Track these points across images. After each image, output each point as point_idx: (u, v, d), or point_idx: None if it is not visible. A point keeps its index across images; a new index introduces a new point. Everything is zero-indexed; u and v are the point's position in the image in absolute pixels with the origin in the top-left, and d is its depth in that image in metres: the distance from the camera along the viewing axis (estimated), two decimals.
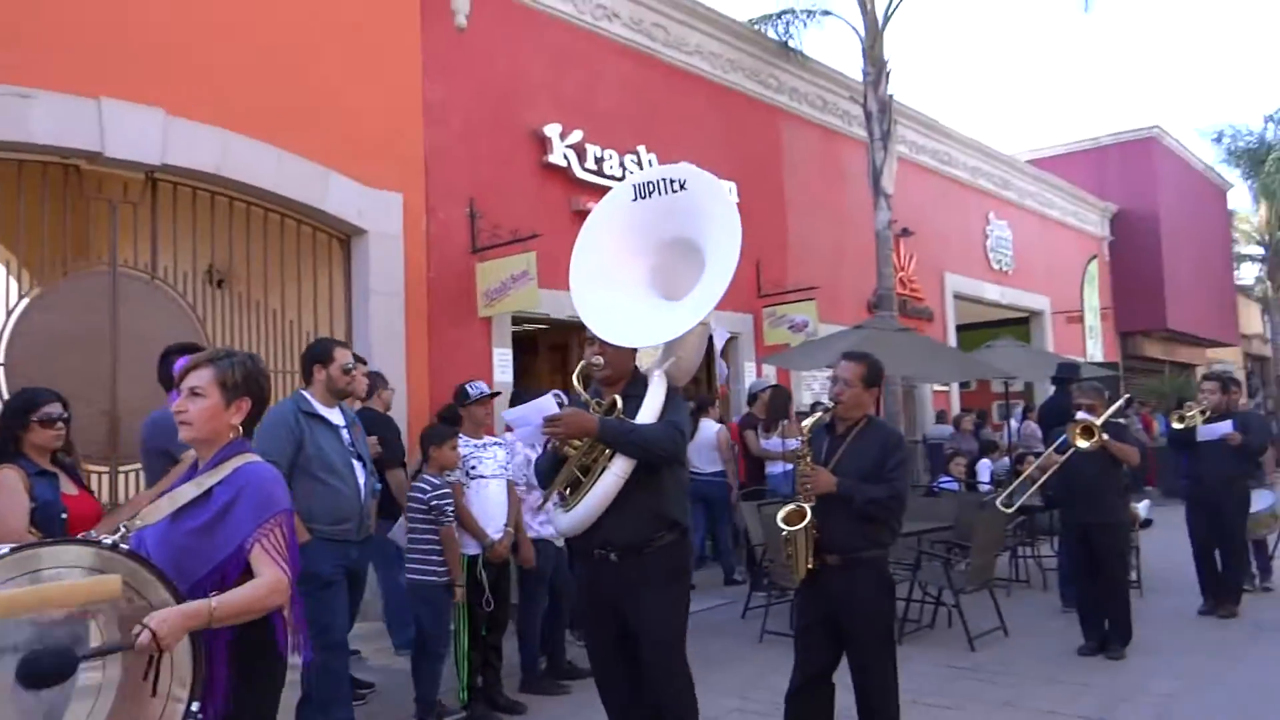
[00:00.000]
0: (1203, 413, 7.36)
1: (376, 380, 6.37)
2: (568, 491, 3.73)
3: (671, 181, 3.83)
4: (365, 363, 5.51)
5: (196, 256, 7.22)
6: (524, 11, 9.35)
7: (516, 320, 9.09)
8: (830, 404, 4.18)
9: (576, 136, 9.55)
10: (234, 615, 2.37)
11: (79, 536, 2.62)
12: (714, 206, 3.76)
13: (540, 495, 5.55)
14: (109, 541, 2.33)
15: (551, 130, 9.35)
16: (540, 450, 5.65)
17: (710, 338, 4.14)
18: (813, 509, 3.86)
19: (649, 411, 3.68)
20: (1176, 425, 7.39)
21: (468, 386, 5.29)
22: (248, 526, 2.48)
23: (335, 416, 4.71)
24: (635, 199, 3.93)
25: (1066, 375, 8.14)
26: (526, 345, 9.57)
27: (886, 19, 11.62)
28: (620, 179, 9.84)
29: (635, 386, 3.81)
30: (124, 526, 2.48)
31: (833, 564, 3.91)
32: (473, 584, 5.02)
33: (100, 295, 6.54)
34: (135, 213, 6.80)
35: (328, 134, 7.59)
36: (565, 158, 9.44)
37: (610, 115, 10.05)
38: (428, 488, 5.06)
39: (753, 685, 5.50)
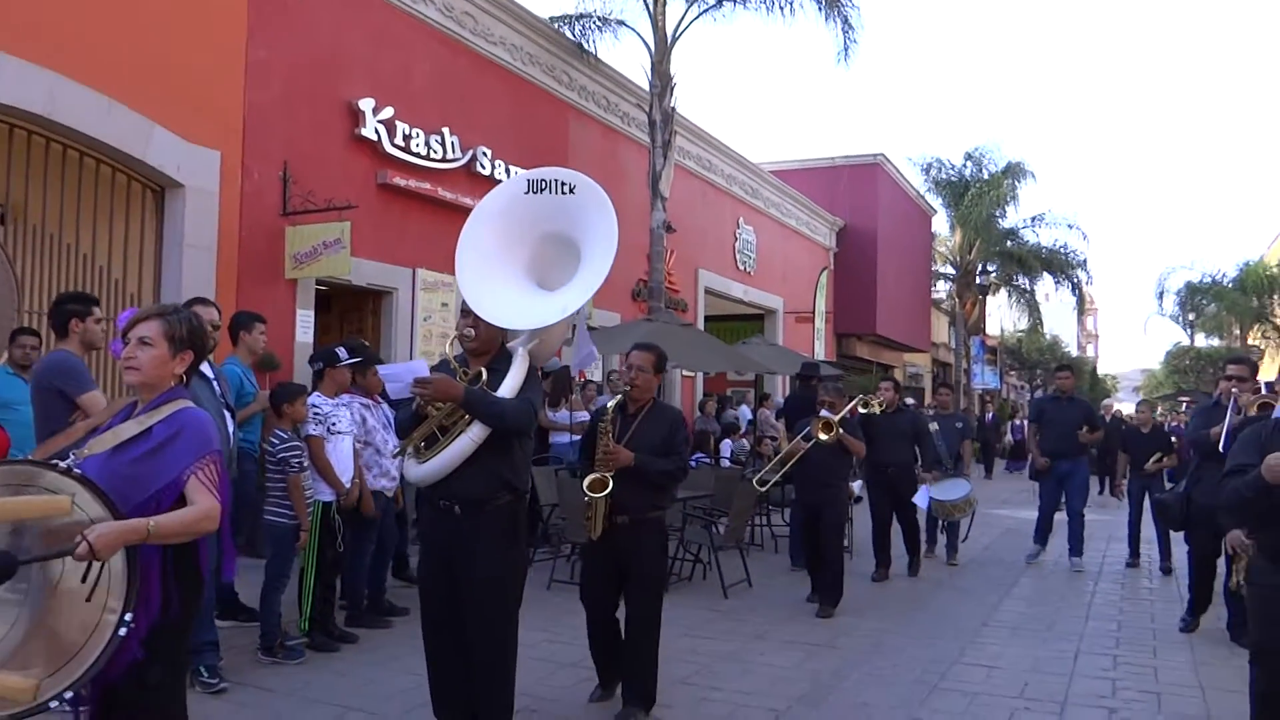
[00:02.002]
0: (881, 405, 8.68)
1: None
2: (423, 446, 4.01)
3: (563, 184, 4.22)
4: (256, 322, 5.90)
5: (10, 195, 7.12)
6: None
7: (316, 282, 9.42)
8: (626, 386, 4.90)
9: (388, 113, 9.97)
10: (170, 535, 2.63)
11: (37, 460, 2.96)
12: (597, 214, 4.14)
13: (373, 451, 6.22)
14: (63, 465, 2.66)
15: (365, 104, 9.72)
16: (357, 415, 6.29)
17: (575, 326, 4.77)
18: (612, 479, 4.57)
19: (509, 387, 4.00)
20: (861, 410, 8.68)
21: (337, 350, 5.82)
22: (186, 459, 2.74)
23: (206, 369, 5.13)
24: (528, 192, 4.26)
25: (810, 373, 9.62)
26: (319, 306, 9.86)
27: (675, 38, 12.79)
28: (426, 157, 10.43)
29: (499, 361, 4.11)
30: (73, 454, 2.75)
31: (622, 523, 4.69)
32: (326, 528, 5.60)
33: None
34: None
35: (154, 87, 7.68)
36: (376, 132, 9.84)
37: (419, 95, 10.52)
38: (277, 441, 5.58)
39: (554, 622, 6.41)
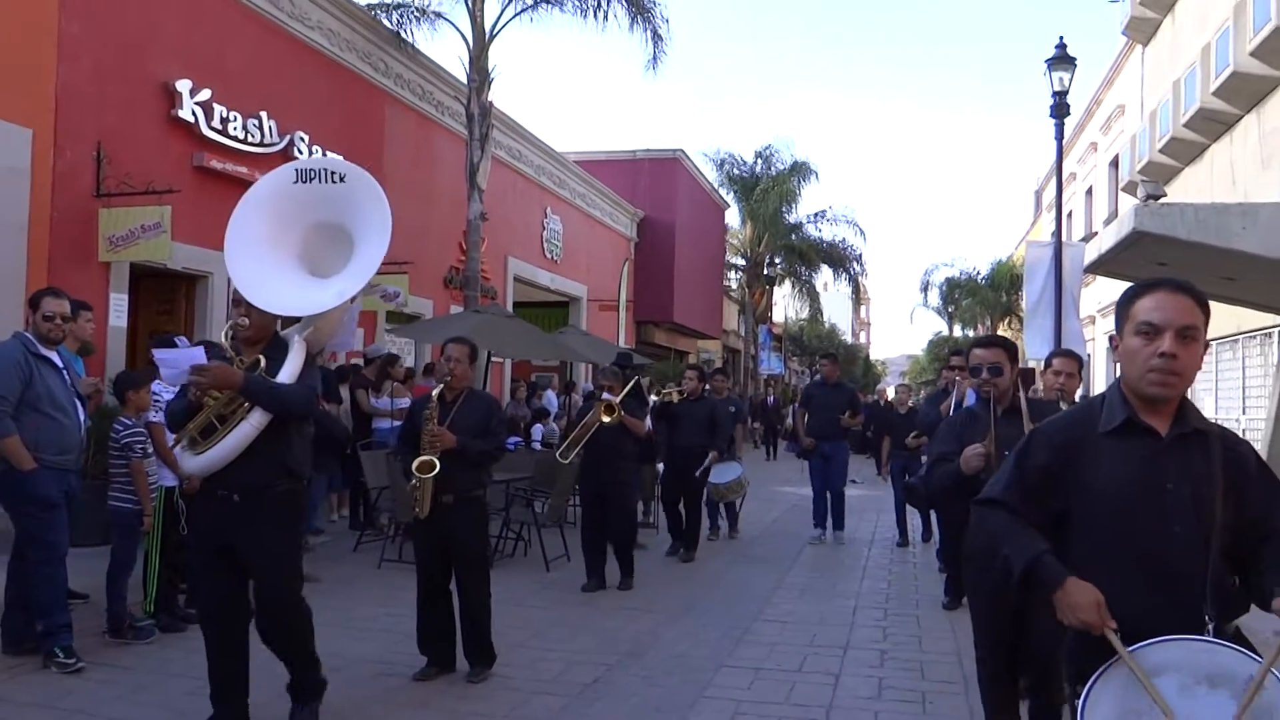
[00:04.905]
0: (680, 392, 9.36)
1: None
2: (200, 436, 3.95)
3: (333, 173, 4.25)
4: (82, 310, 5.92)
5: None
6: None
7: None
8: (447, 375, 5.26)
9: (205, 95, 9.87)
10: None
11: None
12: (369, 203, 4.19)
13: None
14: None
15: (182, 85, 9.60)
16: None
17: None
18: (437, 460, 4.99)
19: (288, 373, 4.02)
20: (654, 398, 9.35)
21: (175, 339, 5.94)
22: None
23: (55, 358, 5.23)
24: (297, 181, 4.26)
25: (623, 362, 10.28)
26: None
27: (493, 35, 13.14)
28: (243, 141, 10.39)
29: (274, 349, 4.10)
30: None
31: (447, 502, 5.13)
32: (169, 512, 5.77)
33: None
34: None
35: None
36: (194, 114, 9.73)
37: (237, 78, 10.44)
38: (120, 428, 5.71)
39: (389, 598, 6.80)
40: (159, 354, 4.45)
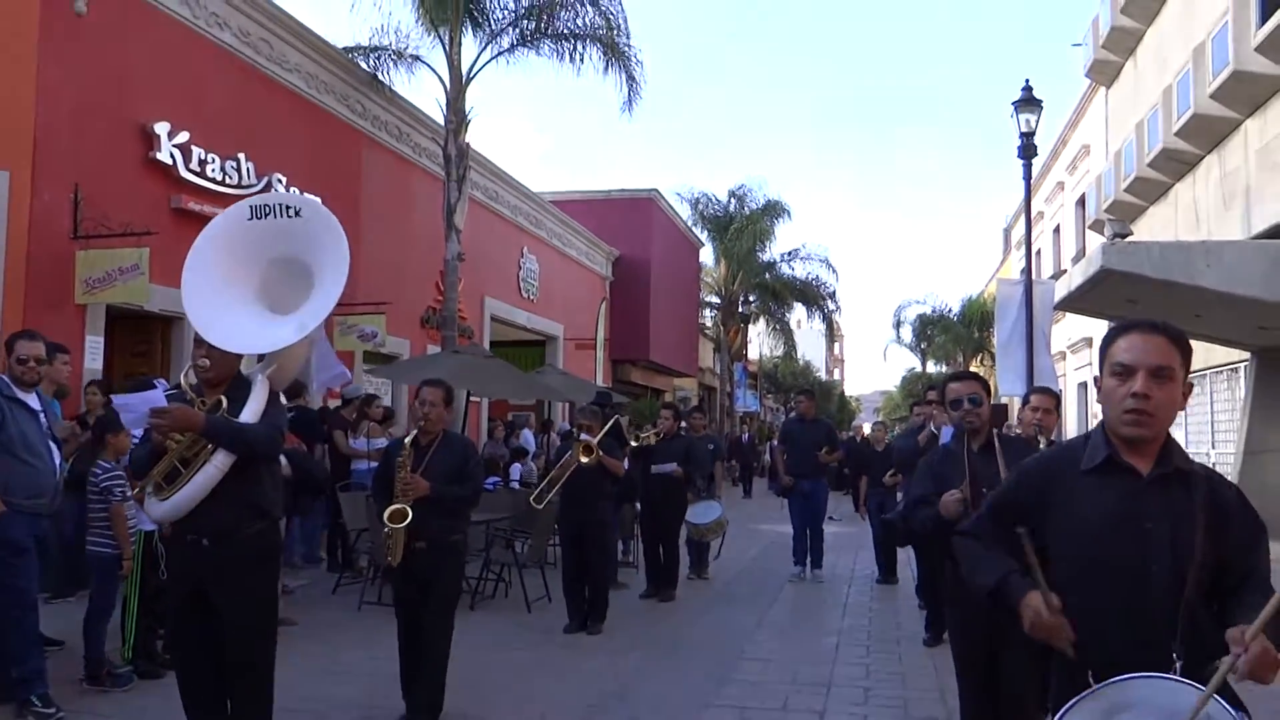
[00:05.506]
0: (657, 434, 9.36)
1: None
2: (164, 482, 3.86)
3: (288, 208, 4.20)
4: (58, 353, 5.89)
5: None
6: (142, 7, 9.54)
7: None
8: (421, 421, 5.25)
9: (183, 137, 9.89)
10: None
11: None
12: (326, 236, 4.14)
13: None
14: None
15: (160, 128, 9.62)
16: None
17: (314, 347, 4.80)
18: (411, 507, 4.93)
19: (252, 412, 3.93)
20: (633, 443, 9.34)
21: (154, 382, 5.91)
22: None
23: (33, 401, 5.19)
24: (251, 218, 4.21)
25: (603, 401, 10.35)
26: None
27: (470, 77, 13.28)
28: (221, 183, 10.41)
29: (236, 389, 4.02)
30: None
31: (421, 548, 5.06)
32: (148, 556, 5.71)
33: None
34: None
35: None
36: (171, 156, 9.74)
37: (215, 120, 10.47)
38: (100, 471, 5.66)
39: (369, 640, 6.74)
40: (117, 399, 4.38)
